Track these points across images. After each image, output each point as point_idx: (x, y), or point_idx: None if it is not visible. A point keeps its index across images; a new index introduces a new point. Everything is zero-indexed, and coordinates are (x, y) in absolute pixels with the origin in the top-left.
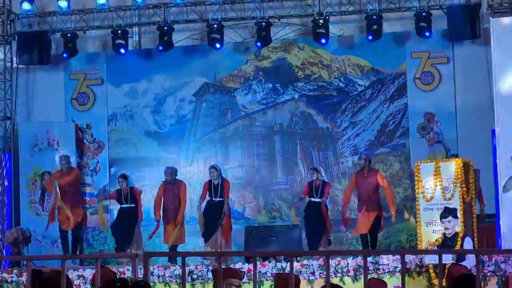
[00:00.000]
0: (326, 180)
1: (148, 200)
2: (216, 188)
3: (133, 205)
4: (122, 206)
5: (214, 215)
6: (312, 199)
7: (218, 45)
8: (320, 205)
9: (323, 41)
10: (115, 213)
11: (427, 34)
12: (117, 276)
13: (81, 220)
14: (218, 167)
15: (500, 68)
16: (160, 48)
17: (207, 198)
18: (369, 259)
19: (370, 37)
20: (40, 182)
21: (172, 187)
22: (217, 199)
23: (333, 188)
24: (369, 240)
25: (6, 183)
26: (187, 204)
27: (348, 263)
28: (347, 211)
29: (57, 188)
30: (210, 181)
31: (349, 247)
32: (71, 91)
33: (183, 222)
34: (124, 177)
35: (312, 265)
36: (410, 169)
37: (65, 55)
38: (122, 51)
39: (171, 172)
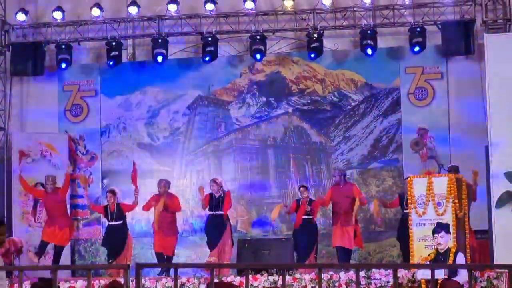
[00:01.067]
0: (313, 198)
1: (141, 212)
2: (217, 201)
3: (120, 222)
4: (110, 224)
5: (217, 229)
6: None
7: (212, 58)
8: (308, 221)
9: (312, 55)
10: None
11: (419, 49)
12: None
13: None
14: (218, 181)
15: (494, 84)
16: (156, 60)
17: (208, 212)
18: (361, 273)
19: (369, 51)
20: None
21: (165, 199)
22: (218, 212)
23: None
24: (339, 254)
25: None
26: (179, 217)
27: (340, 277)
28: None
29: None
30: (211, 194)
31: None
32: (65, 102)
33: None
34: (113, 192)
35: (304, 279)
36: (403, 184)
37: (59, 66)
38: (110, 64)
39: (165, 184)
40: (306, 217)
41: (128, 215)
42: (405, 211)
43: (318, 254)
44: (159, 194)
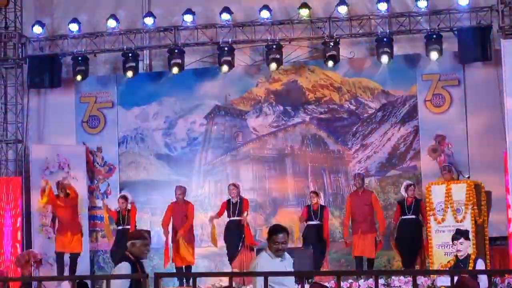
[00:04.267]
0: (324, 204)
1: (158, 222)
2: (235, 206)
3: (129, 226)
4: (119, 228)
5: (236, 235)
6: (311, 222)
7: (228, 68)
8: (319, 227)
9: (331, 63)
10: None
11: (438, 56)
12: None
13: (79, 248)
14: (237, 185)
15: (511, 89)
16: (171, 70)
17: (226, 218)
18: (381, 281)
19: (385, 58)
20: (51, 206)
21: (180, 207)
22: (236, 218)
23: (344, 209)
24: (363, 263)
25: (18, 207)
26: (198, 227)
27: (359, 285)
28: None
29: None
30: (228, 200)
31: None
32: (82, 114)
33: (191, 241)
34: (125, 198)
35: None
36: (421, 191)
37: (75, 78)
38: (129, 75)
39: (183, 190)
40: (316, 222)
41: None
42: (403, 217)
43: (331, 262)
44: (176, 202)
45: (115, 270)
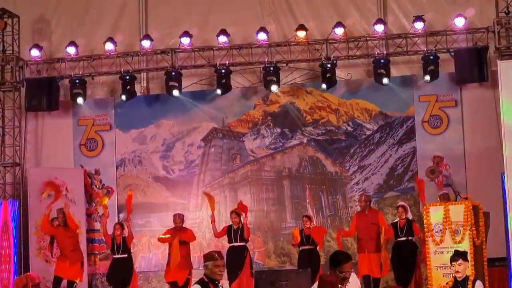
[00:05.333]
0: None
1: (157, 245)
2: (236, 232)
3: (125, 255)
4: (115, 257)
5: (237, 260)
6: (303, 247)
7: (226, 90)
8: (311, 252)
9: (328, 85)
10: None
11: (435, 77)
12: None
13: (79, 278)
14: (239, 213)
15: (508, 111)
16: (171, 93)
17: (227, 244)
18: None
19: (383, 80)
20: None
21: (180, 233)
22: (238, 243)
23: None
24: (371, 282)
25: (15, 229)
26: (197, 250)
27: None
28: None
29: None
30: (230, 225)
31: None
32: (80, 136)
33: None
34: (121, 225)
35: None
36: (420, 212)
37: (73, 101)
38: (127, 97)
39: (182, 218)
40: (309, 247)
41: (135, 251)
42: (398, 239)
43: None
44: (175, 228)
45: None
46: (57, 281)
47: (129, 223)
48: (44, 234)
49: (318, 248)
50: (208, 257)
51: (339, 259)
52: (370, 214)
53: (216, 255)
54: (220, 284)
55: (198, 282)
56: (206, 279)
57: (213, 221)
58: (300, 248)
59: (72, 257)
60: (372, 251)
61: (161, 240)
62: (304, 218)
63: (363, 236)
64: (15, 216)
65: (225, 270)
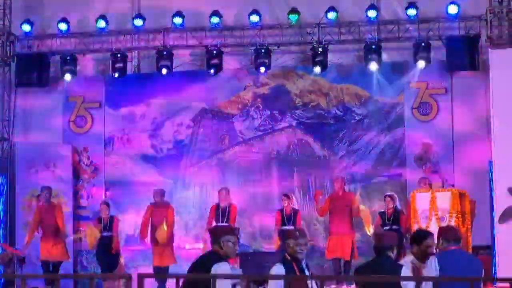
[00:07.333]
0: (297, 208)
1: (134, 224)
2: (224, 212)
3: (111, 233)
4: (102, 235)
5: None
6: (285, 227)
7: (216, 71)
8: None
9: (322, 69)
10: None
11: (426, 64)
12: None
13: (65, 258)
14: (227, 189)
15: (498, 99)
16: (161, 72)
17: (213, 223)
18: None
19: (373, 66)
20: (36, 204)
21: (160, 210)
22: (224, 224)
23: None
24: (342, 266)
25: (2, 204)
26: (182, 229)
27: None
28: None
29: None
30: (217, 205)
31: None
32: (69, 113)
33: (171, 243)
34: (107, 204)
35: None
36: (406, 198)
37: (64, 77)
38: (117, 75)
39: (161, 194)
40: (289, 227)
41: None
42: (386, 228)
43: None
44: (154, 204)
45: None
46: (45, 265)
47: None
48: (32, 205)
49: None
50: (289, 235)
51: (422, 235)
52: (344, 196)
53: (297, 233)
54: (304, 263)
55: (281, 261)
56: (289, 258)
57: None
58: (282, 228)
59: (55, 237)
60: (344, 233)
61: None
62: (282, 196)
63: (335, 218)
64: (2, 191)
65: (305, 250)
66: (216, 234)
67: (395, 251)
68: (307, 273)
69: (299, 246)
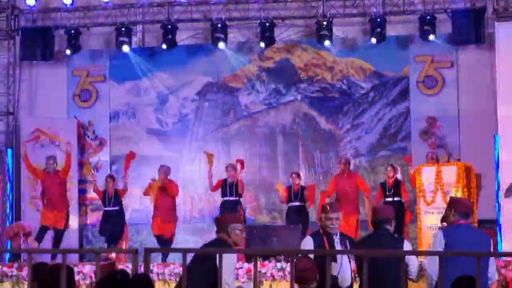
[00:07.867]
0: (304, 185)
1: (147, 198)
2: (231, 187)
3: (117, 207)
4: (106, 209)
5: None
6: (292, 204)
7: (221, 45)
8: (301, 208)
9: (327, 43)
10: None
11: (431, 38)
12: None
13: (64, 225)
14: (234, 165)
15: (504, 72)
16: (164, 46)
17: (218, 199)
18: None
19: (378, 39)
20: (40, 180)
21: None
22: (232, 198)
23: None
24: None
25: (8, 178)
26: (188, 203)
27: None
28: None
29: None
30: (225, 179)
31: None
32: (74, 87)
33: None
34: (112, 177)
35: None
36: (409, 174)
37: (68, 51)
38: (122, 49)
39: (166, 171)
40: (297, 204)
41: (126, 203)
42: (386, 199)
43: None
44: (160, 180)
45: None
46: (43, 230)
47: (127, 180)
48: (33, 178)
49: (308, 205)
50: (322, 208)
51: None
52: (349, 177)
53: (328, 208)
54: (337, 237)
55: (312, 234)
56: (321, 231)
57: (210, 176)
58: (289, 205)
59: (60, 204)
60: (349, 213)
61: (145, 193)
62: (293, 174)
63: (341, 198)
64: (7, 165)
65: (337, 224)
66: (223, 222)
67: (393, 224)
68: (338, 247)
69: (329, 220)
